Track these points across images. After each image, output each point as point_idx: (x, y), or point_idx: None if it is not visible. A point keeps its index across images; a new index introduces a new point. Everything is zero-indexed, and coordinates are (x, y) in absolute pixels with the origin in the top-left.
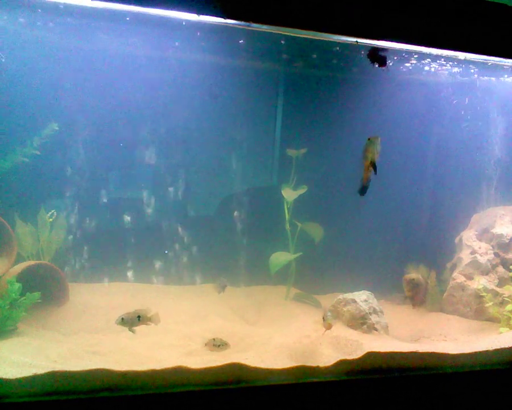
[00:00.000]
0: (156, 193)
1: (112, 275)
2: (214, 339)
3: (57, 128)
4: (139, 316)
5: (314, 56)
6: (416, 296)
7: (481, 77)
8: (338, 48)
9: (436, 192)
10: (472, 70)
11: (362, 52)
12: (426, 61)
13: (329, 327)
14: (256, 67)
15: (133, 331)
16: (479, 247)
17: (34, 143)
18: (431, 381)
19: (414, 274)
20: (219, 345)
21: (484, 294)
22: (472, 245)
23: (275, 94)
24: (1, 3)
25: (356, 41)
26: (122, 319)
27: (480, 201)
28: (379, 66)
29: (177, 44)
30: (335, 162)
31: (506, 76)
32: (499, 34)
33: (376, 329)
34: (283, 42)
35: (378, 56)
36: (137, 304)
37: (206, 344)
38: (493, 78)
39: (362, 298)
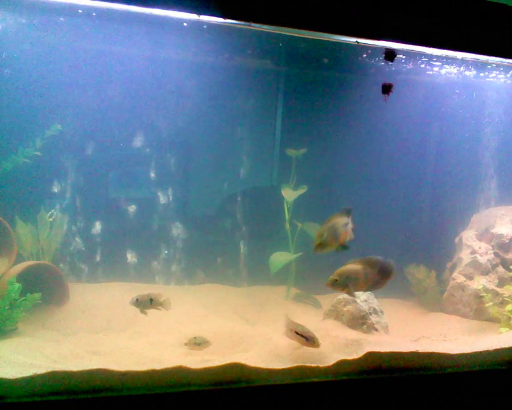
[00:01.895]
0: (156, 193)
1: (113, 275)
2: (195, 338)
3: (60, 128)
4: (151, 300)
5: (315, 56)
6: (357, 286)
7: (484, 77)
8: (342, 51)
9: (436, 192)
10: (469, 70)
11: (360, 48)
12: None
13: (317, 346)
14: (256, 67)
15: (145, 313)
16: (479, 248)
17: (37, 144)
18: (431, 381)
19: (336, 274)
20: (199, 344)
21: (484, 294)
22: (472, 245)
23: (275, 94)
24: (1, 3)
25: (357, 41)
26: (137, 299)
27: (480, 201)
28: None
29: (177, 44)
30: (336, 161)
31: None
32: (499, 34)
33: (376, 329)
34: (281, 43)
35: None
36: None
37: (186, 344)
38: (498, 78)
39: (362, 298)
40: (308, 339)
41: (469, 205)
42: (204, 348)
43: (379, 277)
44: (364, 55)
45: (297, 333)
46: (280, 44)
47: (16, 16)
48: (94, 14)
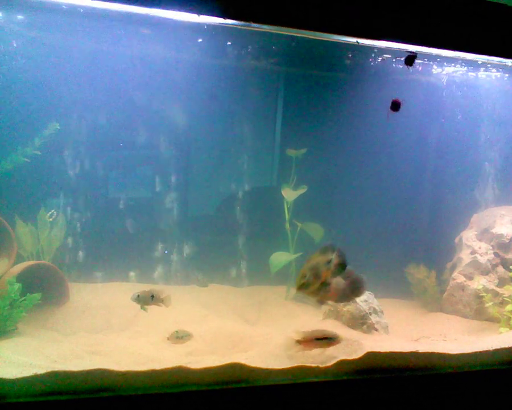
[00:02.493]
0: (157, 193)
1: (113, 275)
2: (177, 331)
3: (58, 127)
4: (152, 296)
5: (315, 56)
6: (327, 294)
7: (486, 76)
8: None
9: (436, 192)
10: (470, 69)
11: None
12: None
13: (341, 340)
14: (256, 67)
15: (145, 309)
16: (479, 247)
17: (36, 143)
18: (431, 381)
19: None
20: (182, 337)
21: (484, 294)
22: (472, 245)
23: (275, 94)
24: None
25: (357, 42)
26: (138, 295)
27: (480, 201)
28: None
29: (177, 44)
30: (336, 162)
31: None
32: (499, 34)
33: (376, 329)
34: (284, 42)
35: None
36: (137, 305)
37: (168, 339)
38: (495, 77)
39: (362, 298)
40: (332, 338)
41: (469, 205)
42: (186, 341)
43: (349, 289)
44: (363, 55)
45: (317, 339)
46: (293, 44)
47: (14, 15)
48: (93, 13)
